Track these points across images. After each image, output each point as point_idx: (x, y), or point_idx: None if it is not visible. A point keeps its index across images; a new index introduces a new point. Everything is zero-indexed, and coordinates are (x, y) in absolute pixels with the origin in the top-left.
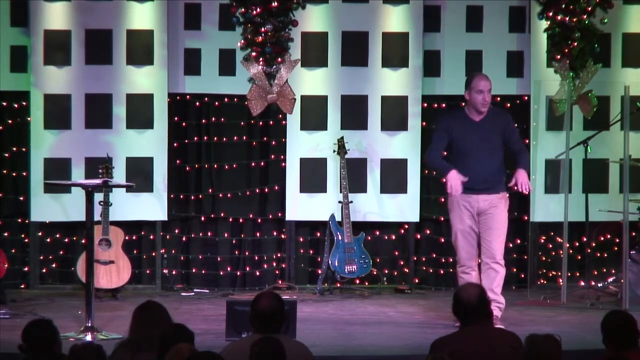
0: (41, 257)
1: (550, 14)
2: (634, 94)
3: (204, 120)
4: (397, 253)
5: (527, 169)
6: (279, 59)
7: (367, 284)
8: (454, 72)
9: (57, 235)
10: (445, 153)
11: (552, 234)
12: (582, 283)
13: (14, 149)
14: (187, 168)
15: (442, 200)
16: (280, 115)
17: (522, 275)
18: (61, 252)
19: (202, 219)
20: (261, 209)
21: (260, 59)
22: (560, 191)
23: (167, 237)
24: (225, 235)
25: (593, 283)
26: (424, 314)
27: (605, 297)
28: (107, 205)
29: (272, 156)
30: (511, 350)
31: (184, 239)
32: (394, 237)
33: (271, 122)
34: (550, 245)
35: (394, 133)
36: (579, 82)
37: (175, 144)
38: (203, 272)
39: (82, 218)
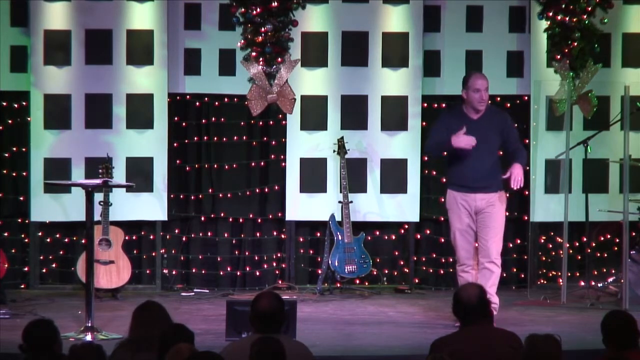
0: (41, 257)
1: (550, 14)
2: (634, 94)
3: (204, 120)
4: (397, 253)
5: (524, 165)
6: (279, 59)
7: (367, 284)
8: (454, 72)
9: (57, 235)
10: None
11: (552, 234)
12: (582, 283)
13: (14, 149)
14: (187, 168)
15: (442, 200)
16: (280, 115)
17: (522, 275)
18: (61, 252)
19: (202, 219)
20: (261, 209)
21: (260, 59)
22: (560, 191)
23: (167, 237)
24: (225, 235)
25: (593, 283)
26: (424, 314)
27: (605, 297)
28: (107, 205)
29: (272, 156)
30: (511, 350)
31: (184, 239)
32: (394, 237)
33: (271, 122)
34: (550, 245)
35: (394, 133)
36: (579, 82)
37: (175, 144)
38: (203, 272)
39: (82, 218)
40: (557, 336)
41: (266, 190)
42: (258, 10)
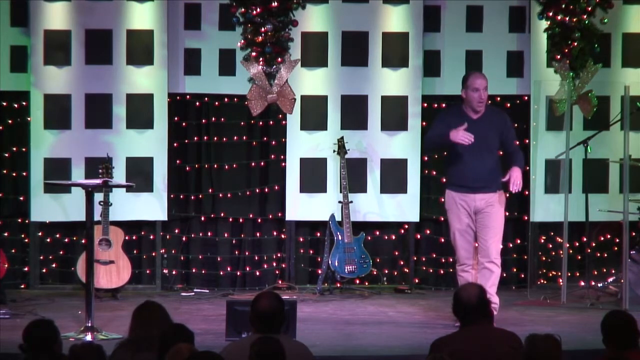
0: (41, 257)
1: (550, 14)
2: (634, 94)
3: (204, 120)
4: (397, 253)
5: (522, 168)
6: (279, 59)
7: (367, 284)
8: (454, 72)
9: (57, 235)
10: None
11: (552, 234)
12: (582, 283)
13: (14, 149)
14: (187, 168)
15: (442, 200)
16: (280, 115)
17: (522, 275)
18: (61, 252)
19: (202, 219)
20: (261, 209)
21: (260, 59)
22: (560, 191)
23: (167, 237)
24: (225, 235)
25: (593, 283)
26: (424, 314)
27: (605, 297)
28: (107, 205)
29: (272, 156)
30: (511, 350)
31: (184, 239)
32: (394, 237)
33: (271, 122)
34: (550, 245)
35: (394, 133)
36: (579, 82)
37: (175, 144)
38: (203, 272)
39: (82, 218)
40: (557, 336)
41: (266, 190)
42: (258, 10)
